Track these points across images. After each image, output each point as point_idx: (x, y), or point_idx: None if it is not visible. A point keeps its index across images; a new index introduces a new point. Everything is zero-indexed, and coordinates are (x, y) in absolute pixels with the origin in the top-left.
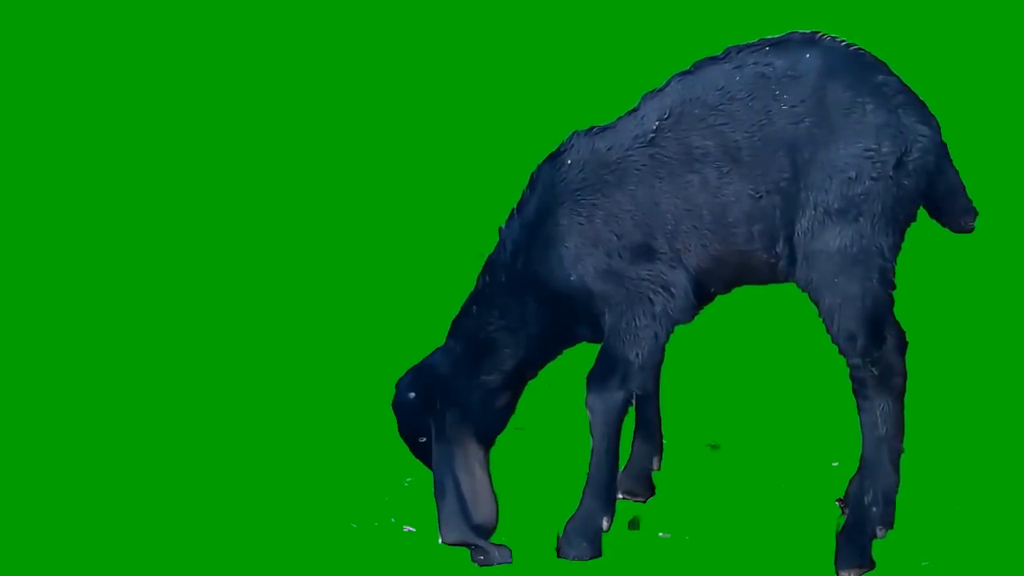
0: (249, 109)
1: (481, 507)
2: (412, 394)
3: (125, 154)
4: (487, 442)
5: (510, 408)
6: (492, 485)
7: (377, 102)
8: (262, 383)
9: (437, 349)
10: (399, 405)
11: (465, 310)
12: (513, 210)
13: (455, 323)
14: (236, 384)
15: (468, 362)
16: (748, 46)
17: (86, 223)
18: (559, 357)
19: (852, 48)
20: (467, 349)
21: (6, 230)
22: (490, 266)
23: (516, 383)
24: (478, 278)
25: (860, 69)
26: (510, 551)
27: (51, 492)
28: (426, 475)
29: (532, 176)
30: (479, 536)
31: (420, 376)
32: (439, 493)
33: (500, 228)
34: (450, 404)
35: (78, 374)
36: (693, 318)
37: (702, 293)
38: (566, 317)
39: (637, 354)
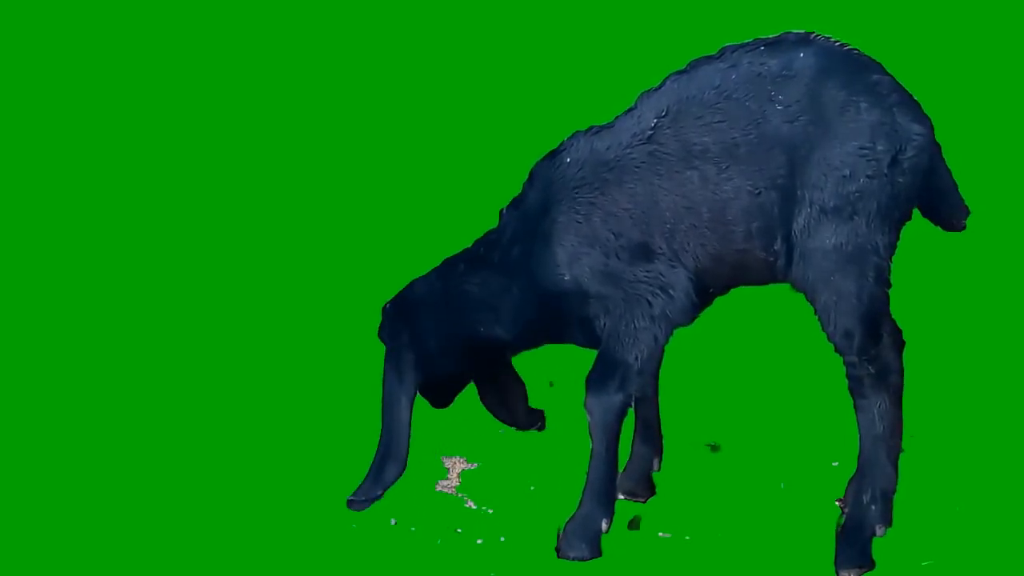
0: (249, 109)
1: (391, 455)
2: (389, 306)
3: (125, 154)
4: (427, 390)
5: (461, 373)
6: (409, 435)
7: (376, 101)
8: (262, 383)
9: (422, 278)
10: (383, 310)
11: (455, 261)
12: (514, 200)
13: (446, 263)
14: (236, 384)
15: (441, 307)
16: (743, 46)
17: (86, 223)
18: (559, 359)
19: (845, 48)
20: (443, 295)
21: (6, 230)
22: (489, 242)
23: (474, 352)
24: (476, 242)
25: (854, 68)
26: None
27: (48, 492)
28: (426, 475)
29: (531, 172)
30: (377, 484)
31: (398, 300)
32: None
33: (502, 211)
34: (407, 330)
35: (76, 374)
36: (693, 320)
37: (702, 293)
38: (552, 316)
39: (636, 357)
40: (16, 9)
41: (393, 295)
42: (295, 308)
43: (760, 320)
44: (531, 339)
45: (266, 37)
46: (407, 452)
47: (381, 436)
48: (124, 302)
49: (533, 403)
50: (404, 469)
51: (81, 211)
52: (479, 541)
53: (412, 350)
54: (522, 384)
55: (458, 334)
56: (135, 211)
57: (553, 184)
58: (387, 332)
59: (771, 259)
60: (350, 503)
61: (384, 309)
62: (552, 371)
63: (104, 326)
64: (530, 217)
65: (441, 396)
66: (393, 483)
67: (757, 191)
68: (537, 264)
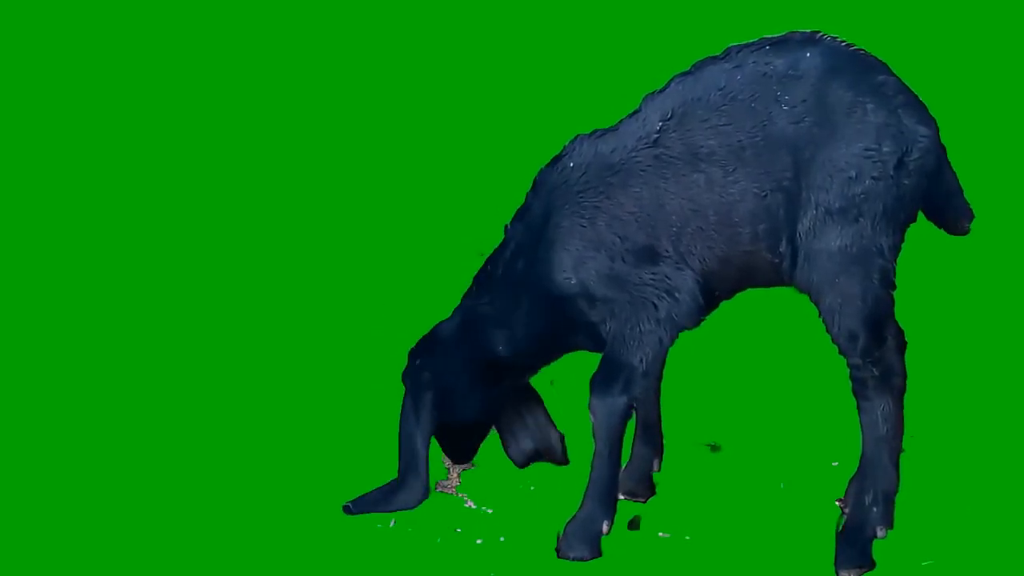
0: (250, 109)
1: (409, 484)
2: (413, 348)
3: (125, 154)
4: (445, 423)
5: (484, 404)
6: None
7: (381, 106)
8: (263, 383)
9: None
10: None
11: (470, 288)
12: (518, 212)
13: (463, 297)
14: (237, 384)
15: (458, 338)
16: (748, 45)
17: (86, 223)
18: (561, 358)
19: (852, 48)
20: (461, 325)
21: (6, 230)
22: (493, 259)
23: (497, 377)
24: (483, 264)
25: (861, 69)
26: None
27: (50, 492)
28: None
29: (535, 180)
30: (384, 501)
31: (422, 340)
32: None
33: (506, 226)
34: (429, 367)
35: (77, 374)
36: (699, 323)
37: (708, 296)
38: (562, 323)
39: (641, 359)
40: (16, 9)
41: (393, 300)
42: (294, 309)
43: (760, 320)
44: (543, 351)
45: (268, 42)
46: (426, 488)
47: (399, 470)
48: (126, 309)
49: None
50: (421, 499)
51: (83, 212)
52: (479, 541)
53: (432, 389)
54: (552, 425)
55: (476, 359)
56: (143, 217)
57: (556, 189)
58: (409, 372)
59: (776, 261)
60: (345, 508)
61: (409, 352)
62: (552, 371)
63: (105, 331)
64: (534, 227)
65: (463, 447)
66: (397, 510)
67: (763, 193)
68: (543, 270)
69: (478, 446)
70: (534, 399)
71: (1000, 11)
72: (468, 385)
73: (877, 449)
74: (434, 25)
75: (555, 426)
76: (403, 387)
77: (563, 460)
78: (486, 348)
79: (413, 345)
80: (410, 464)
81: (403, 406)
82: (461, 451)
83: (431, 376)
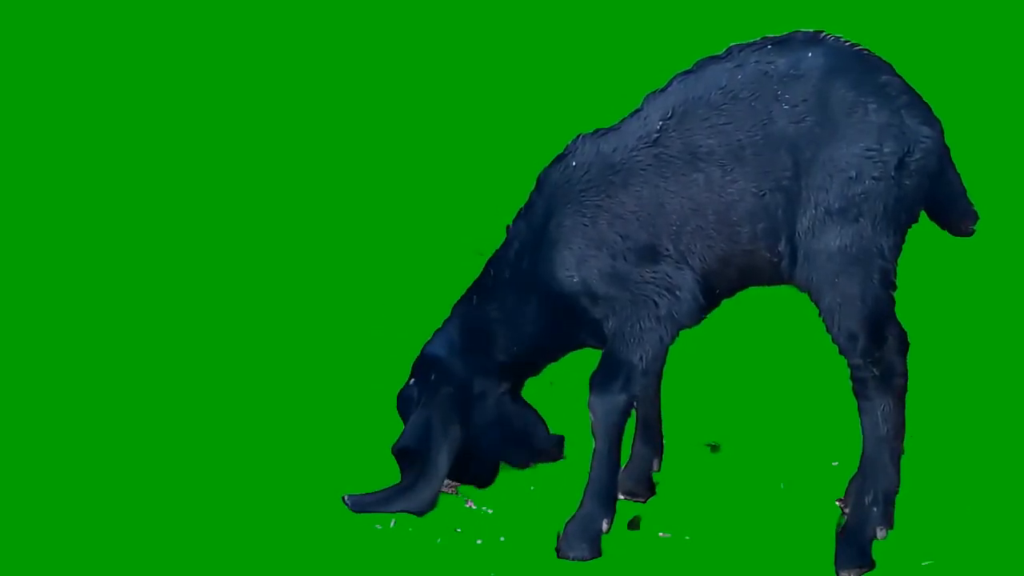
0: (249, 110)
1: (420, 490)
2: (412, 380)
3: (125, 154)
4: (469, 436)
5: (497, 408)
6: (443, 480)
7: (382, 106)
8: (263, 383)
9: (434, 335)
10: (401, 395)
11: (466, 298)
12: (520, 211)
13: (455, 309)
14: (237, 385)
15: (465, 349)
16: (750, 44)
17: (86, 223)
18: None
19: (856, 48)
20: (464, 336)
21: (6, 230)
22: (496, 261)
23: (511, 377)
24: (483, 269)
25: (864, 69)
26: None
27: (52, 493)
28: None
29: (539, 179)
30: (390, 501)
31: (419, 364)
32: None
33: (508, 227)
34: (446, 382)
35: (76, 374)
36: (699, 322)
37: (709, 294)
38: (567, 320)
39: (641, 357)
40: (16, 9)
41: (394, 300)
42: (294, 310)
43: (760, 320)
44: (549, 349)
45: (270, 42)
46: (434, 499)
47: (412, 476)
48: (126, 310)
49: (533, 401)
50: (427, 509)
51: (83, 213)
52: (479, 541)
53: (457, 403)
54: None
55: (488, 364)
56: (143, 218)
57: (559, 188)
58: (423, 389)
59: (776, 260)
60: (347, 501)
61: (407, 387)
62: (552, 370)
63: (105, 331)
64: (536, 226)
65: (487, 464)
66: (401, 511)
67: (762, 193)
68: (546, 269)
69: (498, 463)
70: (518, 402)
71: (1004, 12)
72: (483, 392)
73: (878, 449)
74: (435, 25)
75: (544, 423)
76: (403, 399)
77: (558, 456)
78: (497, 351)
79: (414, 365)
80: (425, 472)
81: (421, 421)
82: (484, 469)
83: (452, 390)
